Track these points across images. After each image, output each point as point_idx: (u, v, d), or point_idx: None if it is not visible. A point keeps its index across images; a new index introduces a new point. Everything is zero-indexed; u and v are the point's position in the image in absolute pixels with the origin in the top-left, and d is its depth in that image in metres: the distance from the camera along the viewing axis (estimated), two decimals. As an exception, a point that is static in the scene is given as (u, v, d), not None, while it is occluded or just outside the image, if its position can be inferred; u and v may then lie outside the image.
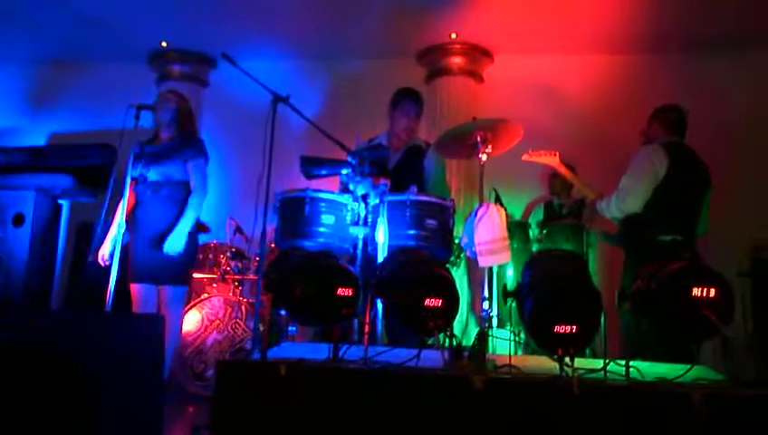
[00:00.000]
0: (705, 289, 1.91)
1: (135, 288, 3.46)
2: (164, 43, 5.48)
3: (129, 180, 3.38)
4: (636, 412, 1.90)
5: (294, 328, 4.33)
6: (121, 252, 3.29)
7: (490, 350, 3.27)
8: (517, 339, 3.76)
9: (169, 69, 5.65)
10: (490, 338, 3.44)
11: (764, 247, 3.65)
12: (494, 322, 3.77)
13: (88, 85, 5.74)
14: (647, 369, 2.25)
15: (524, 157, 3.86)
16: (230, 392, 2.07)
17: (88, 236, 3.44)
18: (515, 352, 3.78)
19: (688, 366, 2.10)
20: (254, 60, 4.65)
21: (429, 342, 2.33)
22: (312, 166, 3.12)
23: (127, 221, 3.33)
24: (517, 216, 5.14)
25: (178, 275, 3.48)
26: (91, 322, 2.62)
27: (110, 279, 3.18)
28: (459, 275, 4.90)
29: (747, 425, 1.80)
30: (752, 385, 1.94)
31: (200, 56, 5.61)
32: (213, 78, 5.82)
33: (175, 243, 3.41)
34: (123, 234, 3.26)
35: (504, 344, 3.75)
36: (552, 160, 3.88)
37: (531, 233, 4.44)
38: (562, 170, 3.96)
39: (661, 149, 3.39)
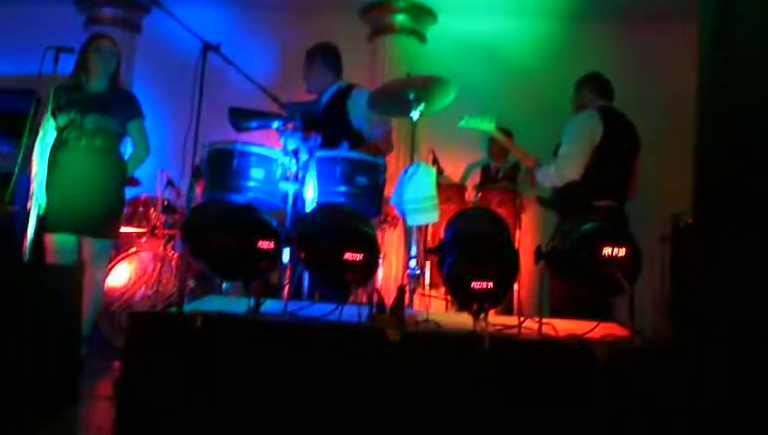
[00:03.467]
0: (614, 249, 1.97)
1: (52, 238, 3.29)
2: (94, -16, 5.20)
3: (48, 126, 3.24)
4: (544, 367, 1.97)
5: (229, 284, 4.30)
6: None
7: (421, 308, 3.34)
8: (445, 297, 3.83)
9: (99, 12, 5.35)
10: (419, 296, 3.52)
11: (683, 214, 3.78)
12: (428, 280, 3.83)
13: (10, 27, 5.40)
14: (562, 326, 2.33)
15: (461, 123, 3.85)
16: (142, 345, 2.03)
17: (7, 185, 3.27)
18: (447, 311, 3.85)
19: (599, 323, 2.18)
20: (190, 5, 4.47)
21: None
22: (241, 118, 3.04)
23: (49, 167, 3.20)
24: (456, 178, 5.17)
25: (103, 229, 3.36)
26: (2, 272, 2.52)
27: (29, 229, 3.07)
28: (396, 236, 4.93)
29: (644, 376, 1.89)
30: (650, 341, 2.03)
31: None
32: (146, 23, 5.56)
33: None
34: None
35: (437, 303, 3.83)
36: (489, 126, 3.89)
37: (468, 195, 4.49)
38: (498, 136, 3.99)
39: (596, 113, 3.44)
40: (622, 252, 1.96)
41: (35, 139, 3.35)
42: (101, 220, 3.34)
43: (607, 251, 1.95)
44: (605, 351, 1.92)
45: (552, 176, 3.47)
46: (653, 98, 4.89)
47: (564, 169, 3.41)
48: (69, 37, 3.62)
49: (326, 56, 3.73)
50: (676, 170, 4.77)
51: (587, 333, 2.13)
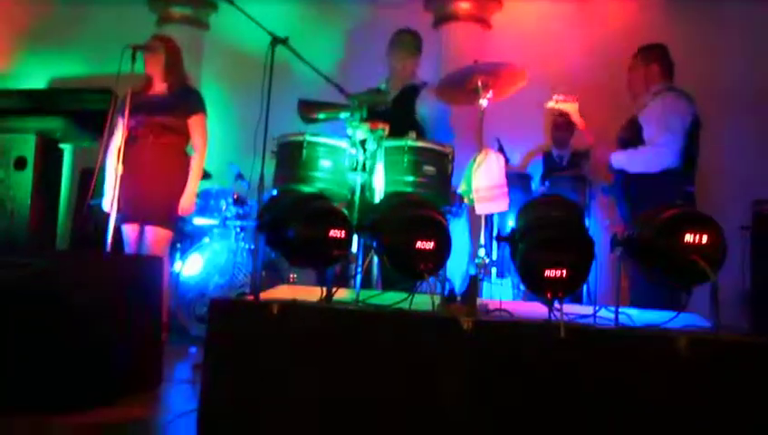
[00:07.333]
0: (697, 235, 1.89)
1: (123, 229, 3.55)
2: (164, -16, 5.38)
3: (123, 124, 3.38)
4: (622, 357, 1.92)
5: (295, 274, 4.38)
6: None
7: (489, 297, 3.31)
8: (516, 286, 3.79)
9: (169, 11, 5.55)
10: (488, 285, 3.49)
11: (765, 201, 3.60)
12: (494, 270, 3.80)
13: (88, 28, 5.66)
14: (638, 316, 2.26)
15: (549, 104, 3.63)
16: (222, 331, 2.11)
17: (90, 179, 3.45)
18: (515, 300, 3.81)
19: (679, 314, 2.11)
20: (256, 2, 4.57)
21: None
22: (309, 109, 3.09)
23: (123, 164, 3.35)
24: (517, 165, 5.10)
25: (164, 218, 3.51)
26: (90, 262, 2.66)
27: (110, 221, 3.22)
28: (461, 226, 4.90)
29: (729, 370, 1.81)
30: (737, 332, 1.95)
31: (200, -3, 5.51)
32: (214, 21, 5.72)
33: (188, 203, 3.58)
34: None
35: (504, 292, 3.79)
36: (573, 108, 3.66)
37: (533, 184, 4.42)
38: (580, 120, 3.73)
39: (683, 97, 3.27)
40: (705, 238, 1.89)
41: (112, 137, 3.52)
42: (161, 210, 3.51)
43: (689, 238, 1.88)
44: (687, 342, 1.86)
45: (652, 161, 3.21)
46: (729, 84, 4.68)
47: (666, 156, 3.19)
48: (143, 37, 3.77)
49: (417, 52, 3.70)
50: (755, 158, 4.62)
51: (666, 323, 2.06)
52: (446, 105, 3.55)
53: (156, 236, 3.51)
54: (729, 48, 4.85)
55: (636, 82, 3.44)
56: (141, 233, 3.54)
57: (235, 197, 4.48)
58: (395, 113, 3.46)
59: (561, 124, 4.75)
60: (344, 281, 2.92)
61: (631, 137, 3.35)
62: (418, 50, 3.66)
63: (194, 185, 3.61)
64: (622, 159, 3.31)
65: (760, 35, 4.79)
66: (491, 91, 2.89)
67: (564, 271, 1.95)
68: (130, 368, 2.58)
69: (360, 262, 2.46)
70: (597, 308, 2.19)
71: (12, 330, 2.36)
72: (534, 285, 2.00)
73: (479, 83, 2.86)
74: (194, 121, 3.62)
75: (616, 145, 3.43)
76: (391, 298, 2.25)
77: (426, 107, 3.56)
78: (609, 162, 3.40)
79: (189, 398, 2.55)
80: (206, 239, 4.43)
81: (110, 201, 3.34)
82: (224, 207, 4.44)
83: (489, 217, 3.59)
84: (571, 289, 2.00)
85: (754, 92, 4.72)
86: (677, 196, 3.05)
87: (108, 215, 3.27)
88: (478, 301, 2.39)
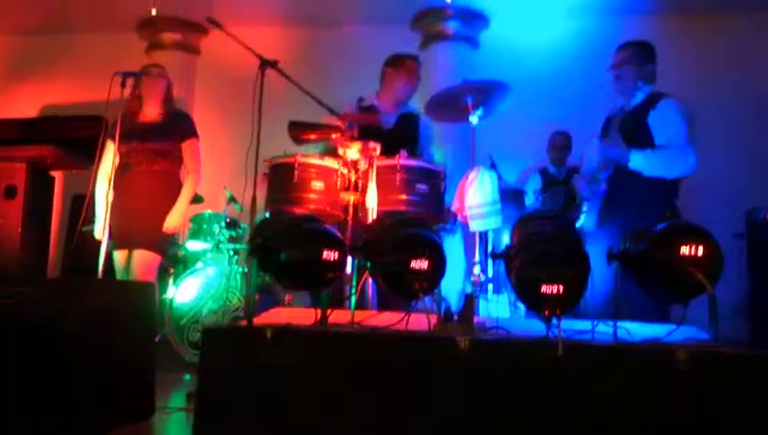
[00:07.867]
0: (692, 247, 1.88)
1: (114, 255, 3.52)
2: (154, 11, 5.39)
3: (113, 150, 3.37)
4: (622, 372, 1.89)
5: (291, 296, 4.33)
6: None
7: (486, 314, 3.29)
8: (512, 303, 3.77)
9: (160, 37, 5.57)
10: (485, 302, 3.47)
11: (759, 209, 3.61)
12: (490, 287, 3.78)
13: (78, 56, 5.68)
14: (636, 330, 2.24)
15: None
16: (216, 357, 2.07)
17: (82, 206, 3.42)
18: (512, 317, 3.79)
19: (678, 327, 2.09)
20: (245, 26, 4.58)
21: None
22: (300, 130, 3.07)
23: (113, 190, 3.33)
24: (513, 182, 5.10)
25: (152, 241, 3.48)
26: (81, 290, 2.62)
27: (102, 247, 3.19)
28: (456, 243, 4.89)
29: (730, 382, 1.79)
30: (737, 344, 1.93)
31: (191, 23, 5.52)
32: (205, 46, 5.74)
33: (173, 220, 3.52)
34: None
35: (500, 309, 3.77)
36: None
37: (527, 200, 4.42)
38: None
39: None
40: (701, 250, 1.88)
41: (102, 163, 3.51)
42: (150, 234, 3.48)
43: (685, 250, 1.87)
44: (686, 355, 1.84)
45: (676, 165, 2.95)
46: (719, 95, 4.73)
47: (688, 160, 2.95)
48: (133, 63, 3.77)
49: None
50: (736, 167, 4.66)
51: (665, 336, 2.04)
52: (438, 124, 3.55)
53: (142, 259, 3.46)
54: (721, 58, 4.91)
55: (628, 78, 3.15)
56: (130, 259, 3.50)
57: (228, 220, 4.46)
58: (394, 136, 3.44)
59: (559, 143, 4.79)
60: (339, 302, 2.90)
61: (635, 134, 3.07)
62: (420, 77, 3.66)
63: (183, 204, 3.57)
64: (640, 159, 2.98)
65: (753, 45, 4.85)
66: (481, 109, 2.89)
67: (561, 286, 1.93)
68: (124, 396, 2.53)
69: (354, 283, 2.43)
70: (595, 323, 2.17)
71: (3, 360, 2.32)
72: (531, 302, 1.98)
73: (469, 101, 2.85)
74: (187, 146, 3.61)
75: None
76: (387, 319, 2.22)
77: (426, 136, 3.57)
78: (615, 158, 3.09)
79: (184, 427, 2.50)
80: (200, 264, 4.39)
81: (101, 228, 3.30)
82: (217, 231, 4.41)
83: (483, 234, 3.58)
84: (568, 305, 1.98)
85: (738, 98, 4.77)
86: (667, 207, 2.91)
87: (99, 242, 3.23)
88: (475, 319, 2.37)
